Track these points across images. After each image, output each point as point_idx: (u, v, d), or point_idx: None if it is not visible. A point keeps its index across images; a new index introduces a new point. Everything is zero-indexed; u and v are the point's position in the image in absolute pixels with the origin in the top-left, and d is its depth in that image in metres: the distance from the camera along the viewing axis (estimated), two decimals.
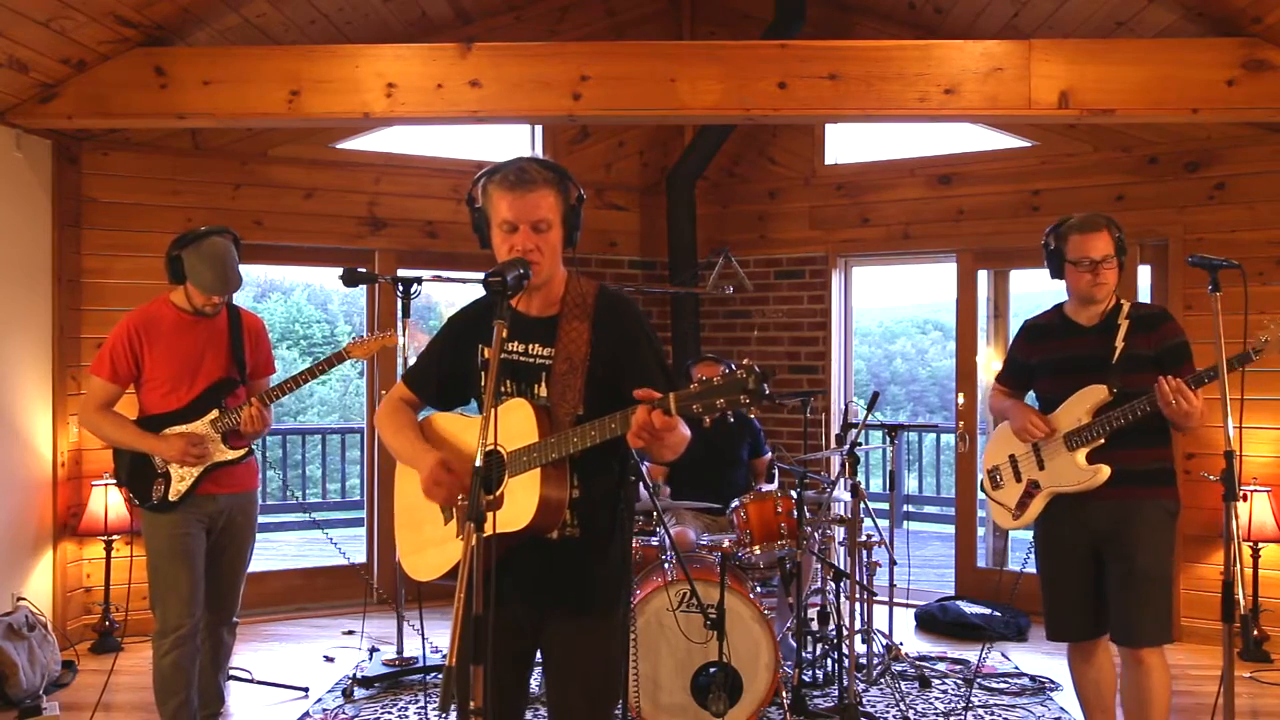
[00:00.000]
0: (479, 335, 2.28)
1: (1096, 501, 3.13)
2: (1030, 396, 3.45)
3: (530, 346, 2.26)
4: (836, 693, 4.21)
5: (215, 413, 3.50)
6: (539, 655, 2.38)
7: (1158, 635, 3.09)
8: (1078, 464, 3.13)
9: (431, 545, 2.33)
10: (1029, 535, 3.40)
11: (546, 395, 2.22)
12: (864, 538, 4.39)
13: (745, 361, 1.88)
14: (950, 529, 6.90)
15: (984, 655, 4.66)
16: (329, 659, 4.96)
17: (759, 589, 4.56)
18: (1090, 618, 3.22)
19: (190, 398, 3.48)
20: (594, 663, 2.28)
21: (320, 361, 3.66)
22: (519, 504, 2.11)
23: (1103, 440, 3.10)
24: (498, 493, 2.15)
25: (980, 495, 6.22)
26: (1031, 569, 3.41)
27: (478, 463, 1.84)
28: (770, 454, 5.03)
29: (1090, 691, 3.30)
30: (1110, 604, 3.15)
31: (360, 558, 6.06)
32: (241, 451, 3.55)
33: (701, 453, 4.77)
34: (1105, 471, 3.09)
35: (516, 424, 2.16)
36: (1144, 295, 5.43)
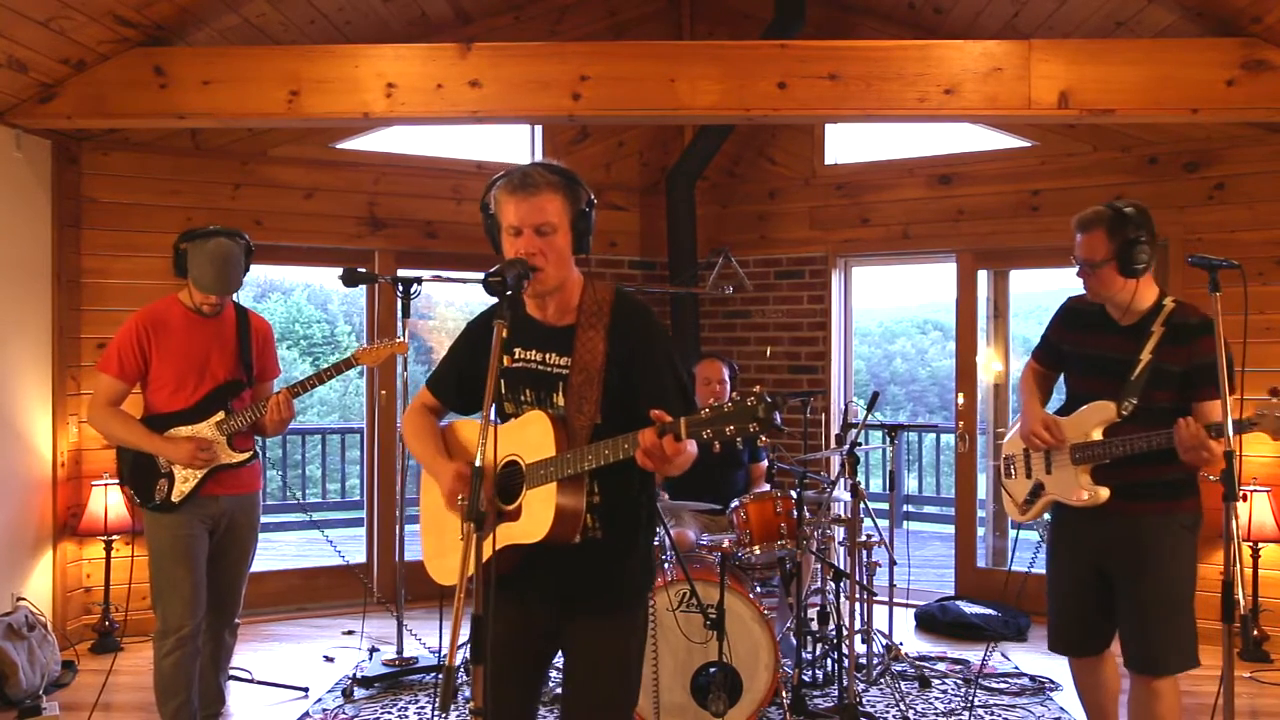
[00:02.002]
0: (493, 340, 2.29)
1: (1103, 517, 2.98)
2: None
3: (548, 356, 2.26)
4: (836, 693, 4.21)
5: (221, 414, 3.49)
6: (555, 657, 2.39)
7: (1174, 664, 2.92)
8: (1079, 482, 3.00)
9: (453, 550, 2.34)
10: (1033, 534, 3.36)
11: (564, 405, 2.22)
12: (864, 538, 4.39)
13: (757, 389, 1.88)
14: (950, 529, 6.89)
15: (988, 656, 4.64)
16: (329, 659, 4.96)
17: (759, 589, 4.56)
18: (1092, 634, 3.11)
19: (196, 398, 3.48)
20: (614, 662, 2.29)
21: (328, 367, 3.62)
22: (536, 516, 2.13)
23: (1108, 461, 2.95)
24: (516, 504, 2.17)
25: (980, 496, 6.29)
26: (1035, 569, 3.38)
27: (477, 463, 1.84)
28: (767, 460, 5.02)
29: (1092, 699, 3.22)
30: (1121, 628, 3.01)
31: (360, 558, 6.06)
32: (247, 454, 3.56)
33: (702, 454, 4.79)
34: (1103, 494, 2.95)
35: (534, 436, 2.17)
36: None
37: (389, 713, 4.18)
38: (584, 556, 2.21)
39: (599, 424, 2.17)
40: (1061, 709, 4.21)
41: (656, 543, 4.07)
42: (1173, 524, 2.94)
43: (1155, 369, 2.91)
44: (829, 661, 4.47)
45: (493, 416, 2.37)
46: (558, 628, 2.29)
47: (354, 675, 4.52)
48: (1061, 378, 3.27)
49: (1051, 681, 4.51)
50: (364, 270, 4.60)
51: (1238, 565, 2.67)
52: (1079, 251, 2.98)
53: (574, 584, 2.24)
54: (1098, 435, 2.98)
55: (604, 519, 2.23)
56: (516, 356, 2.29)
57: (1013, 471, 3.29)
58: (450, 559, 2.35)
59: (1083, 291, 3.08)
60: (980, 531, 6.23)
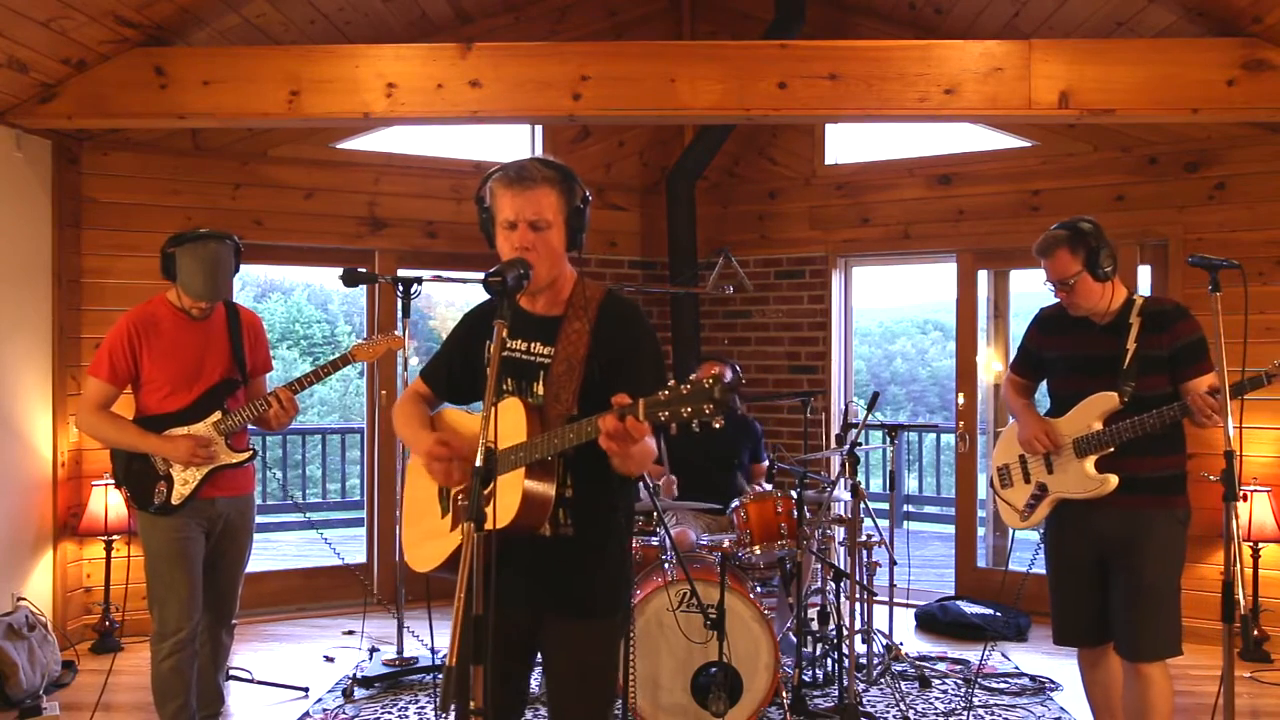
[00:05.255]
0: (488, 332, 2.29)
1: (1105, 509, 3.07)
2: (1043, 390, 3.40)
3: (532, 345, 2.27)
4: (836, 693, 4.21)
5: (218, 414, 3.47)
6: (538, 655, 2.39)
7: (1162, 650, 3.02)
8: (1086, 472, 3.08)
9: (430, 538, 2.35)
10: (1033, 535, 3.38)
11: (542, 395, 2.22)
12: (864, 538, 4.39)
13: (715, 371, 1.88)
14: (950, 529, 6.90)
15: (986, 655, 4.64)
16: (329, 659, 4.96)
17: (759, 589, 4.56)
18: (1096, 625, 3.16)
19: (191, 399, 3.46)
20: (591, 664, 2.28)
21: (325, 364, 3.62)
22: (504, 501, 2.12)
23: (1112, 449, 3.04)
24: (488, 489, 2.16)
25: (980, 496, 6.29)
26: (1034, 569, 3.40)
27: (478, 463, 1.84)
28: (768, 460, 5.02)
29: (1099, 694, 3.27)
30: (1114, 616, 3.09)
31: (361, 558, 6.06)
32: (246, 454, 3.54)
33: (702, 456, 4.81)
34: (1113, 481, 3.03)
35: (509, 423, 2.17)
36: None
37: (389, 713, 4.18)
38: (555, 555, 2.22)
39: (575, 415, 2.16)
40: (1062, 709, 4.21)
41: (655, 542, 4.08)
42: (1169, 518, 3.05)
43: (1142, 357, 3.02)
44: (829, 661, 4.47)
45: (476, 408, 2.38)
46: (534, 628, 2.29)
47: (354, 675, 4.52)
48: (1044, 386, 3.37)
49: (1052, 681, 4.51)
50: (364, 270, 4.60)
51: (1238, 565, 2.70)
52: (1050, 275, 3.11)
53: (547, 584, 2.24)
54: (1098, 426, 3.06)
55: (576, 515, 2.22)
56: (504, 346, 2.29)
57: (1009, 480, 3.37)
58: (426, 547, 2.36)
59: (1053, 302, 3.22)
60: (980, 531, 6.23)
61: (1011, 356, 6.17)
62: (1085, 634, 3.22)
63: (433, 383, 2.48)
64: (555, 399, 2.19)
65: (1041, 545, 3.35)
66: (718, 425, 1.85)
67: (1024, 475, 3.30)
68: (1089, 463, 3.08)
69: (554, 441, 2.09)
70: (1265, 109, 4.30)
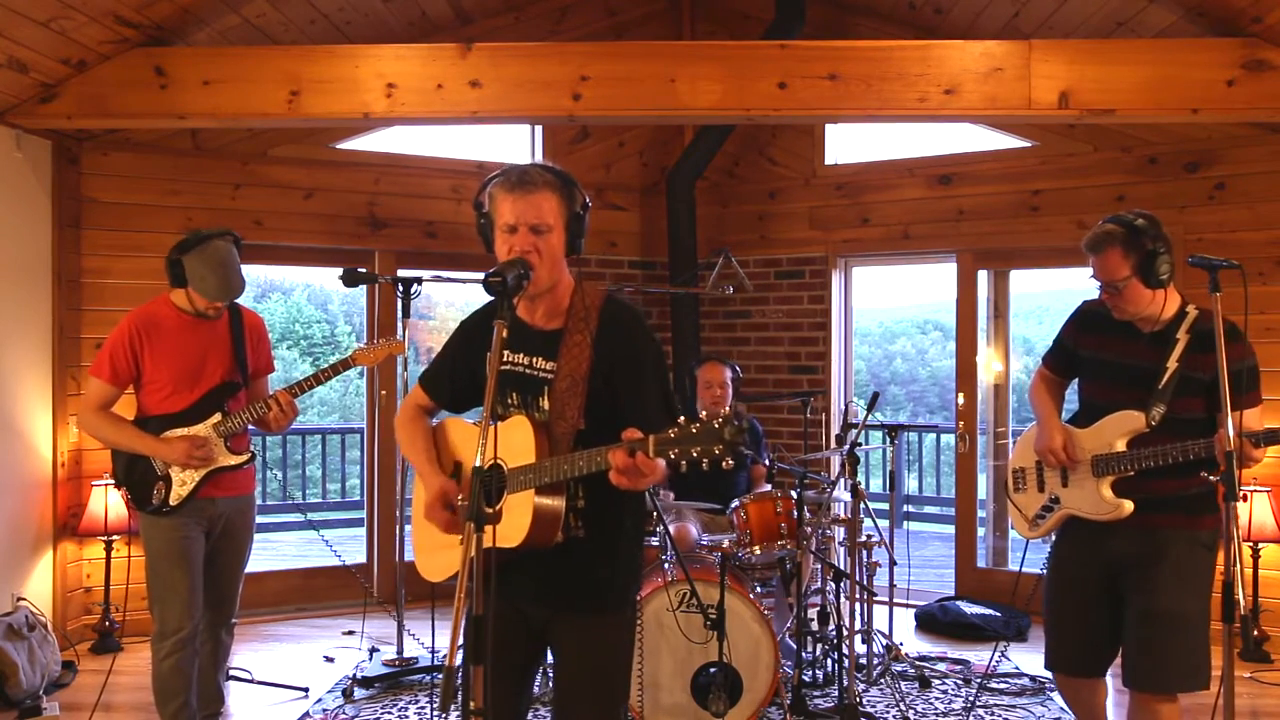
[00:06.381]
0: (487, 340, 2.28)
1: (1120, 530, 2.86)
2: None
3: (535, 360, 2.26)
4: (836, 693, 4.21)
5: (218, 416, 3.48)
6: (545, 658, 2.39)
7: (1178, 683, 2.80)
8: (1101, 495, 2.88)
9: (441, 548, 2.35)
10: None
11: (548, 410, 2.22)
12: (864, 538, 4.39)
13: (725, 411, 1.86)
14: (950, 529, 6.89)
15: (995, 660, 4.56)
16: (329, 659, 4.96)
17: (759, 589, 4.56)
18: (1093, 657, 2.98)
19: (192, 400, 3.46)
20: (599, 663, 2.29)
21: (326, 368, 3.62)
22: (514, 521, 2.14)
23: (1132, 473, 2.85)
24: (497, 507, 2.17)
25: (981, 496, 6.29)
26: (1033, 570, 3.34)
27: (478, 463, 1.84)
28: (768, 460, 5.02)
29: (1085, 711, 3.11)
30: (1125, 642, 2.88)
31: (361, 558, 6.06)
32: (245, 457, 3.54)
33: None
34: (1128, 507, 2.83)
35: (517, 441, 2.17)
36: None
37: (389, 713, 4.18)
38: (567, 555, 2.22)
39: (582, 429, 2.16)
40: (1062, 709, 4.21)
41: (656, 542, 4.08)
42: (1191, 540, 2.85)
43: (1182, 378, 2.81)
44: (829, 661, 4.47)
45: (478, 415, 2.37)
46: (544, 627, 2.30)
47: (354, 675, 4.52)
48: (1075, 384, 3.17)
49: (1052, 682, 4.51)
50: (364, 270, 4.60)
51: (1238, 565, 2.64)
52: (1097, 274, 2.87)
53: (557, 583, 2.25)
54: (1121, 446, 2.88)
55: (587, 520, 2.23)
56: (505, 360, 2.28)
57: (1023, 485, 3.17)
58: (437, 556, 2.37)
59: (1096, 295, 2.99)
60: (980, 531, 6.23)
61: (1011, 356, 6.21)
62: (1082, 666, 3.01)
63: (433, 391, 2.46)
64: (560, 415, 2.19)
65: (1047, 560, 3.15)
66: (726, 467, 1.82)
67: (1039, 483, 3.10)
68: (1105, 485, 2.88)
69: (564, 467, 2.08)
70: (1265, 109, 4.30)
